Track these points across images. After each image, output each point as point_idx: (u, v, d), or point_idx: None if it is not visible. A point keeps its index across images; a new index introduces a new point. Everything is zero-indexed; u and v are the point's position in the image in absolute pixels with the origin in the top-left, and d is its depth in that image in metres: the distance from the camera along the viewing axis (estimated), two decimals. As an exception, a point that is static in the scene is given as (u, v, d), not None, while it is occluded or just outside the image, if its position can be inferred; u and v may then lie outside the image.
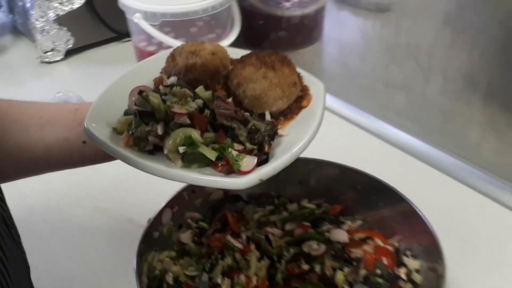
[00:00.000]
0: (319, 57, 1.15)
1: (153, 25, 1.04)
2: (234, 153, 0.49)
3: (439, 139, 0.92)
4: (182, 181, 0.49)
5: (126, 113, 0.53)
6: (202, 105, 0.51)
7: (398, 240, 0.68)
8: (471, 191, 0.87)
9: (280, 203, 0.75)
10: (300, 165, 0.74)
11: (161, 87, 0.54)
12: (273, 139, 0.51)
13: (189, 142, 0.49)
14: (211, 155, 0.48)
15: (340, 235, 0.69)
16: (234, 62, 0.58)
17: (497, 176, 0.85)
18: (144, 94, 0.50)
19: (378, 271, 0.65)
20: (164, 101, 0.50)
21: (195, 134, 0.49)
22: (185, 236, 0.70)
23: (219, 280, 0.64)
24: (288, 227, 0.72)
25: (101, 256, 0.77)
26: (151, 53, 1.11)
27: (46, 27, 1.18)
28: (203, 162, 0.49)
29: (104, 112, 0.53)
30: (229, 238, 0.69)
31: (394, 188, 0.68)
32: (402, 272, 0.65)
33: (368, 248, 0.67)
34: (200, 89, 0.54)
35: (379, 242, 0.68)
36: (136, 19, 1.05)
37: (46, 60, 1.24)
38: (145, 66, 0.61)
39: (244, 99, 0.55)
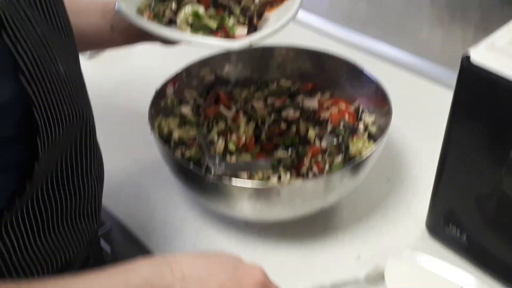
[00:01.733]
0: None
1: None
2: (231, 23, 0.66)
3: (395, 38, 1.08)
4: (191, 41, 0.65)
5: None
6: None
7: (358, 103, 0.84)
8: (424, 79, 1.04)
9: (262, 83, 0.90)
10: (277, 52, 0.90)
11: None
12: (260, 16, 0.68)
13: (196, 15, 0.66)
14: (213, 24, 0.65)
15: (312, 102, 0.85)
16: None
17: (443, 65, 1.02)
18: None
19: (342, 125, 0.81)
20: None
21: (201, 9, 0.66)
22: (186, 109, 0.85)
23: (215, 139, 0.80)
24: (269, 100, 0.88)
25: (114, 138, 0.92)
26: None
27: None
28: (206, 31, 0.66)
29: None
30: (222, 108, 0.85)
31: (356, 64, 0.83)
32: (361, 125, 0.82)
33: (333, 109, 0.84)
34: None
35: (343, 106, 0.85)
36: None
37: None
38: None
39: None
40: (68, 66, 0.51)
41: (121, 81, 1.07)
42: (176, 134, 0.80)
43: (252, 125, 0.83)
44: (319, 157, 0.78)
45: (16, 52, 0.43)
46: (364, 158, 0.68)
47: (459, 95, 0.63)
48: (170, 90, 0.83)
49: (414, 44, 1.05)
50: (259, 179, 0.73)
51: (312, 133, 0.81)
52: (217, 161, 0.65)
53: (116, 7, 0.67)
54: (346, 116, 0.82)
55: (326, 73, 0.88)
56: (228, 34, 0.65)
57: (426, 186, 0.81)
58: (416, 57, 1.06)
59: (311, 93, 0.88)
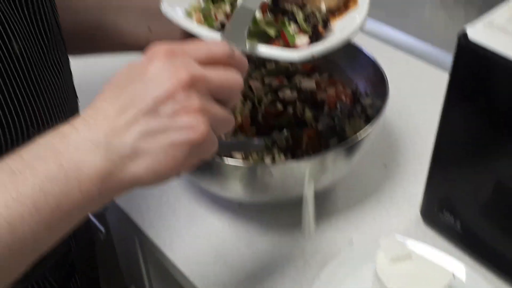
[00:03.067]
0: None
1: None
2: (291, 30, 0.59)
3: (398, 20, 1.06)
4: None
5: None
6: None
7: (356, 85, 0.83)
8: (425, 62, 1.02)
9: (260, 62, 0.89)
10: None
11: None
12: (326, 25, 0.61)
13: (253, 20, 0.57)
14: (271, 31, 0.58)
15: (309, 83, 0.84)
16: None
17: (446, 48, 1.00)
18: None
19: (339, 107, 0.80)
20: None
21: (259, 14, 0.59)
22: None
23: (210, 118, 0.79)
24: (266, 80, 0.86)
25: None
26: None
27: None
28: (263, 39, 0.59)
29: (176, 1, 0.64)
30: (218, 87, 0.83)
31: (355, 44, 0.82)
32: (358, 108, 0.80)
33: (330, 91, 0.82)
34: None
35: (340, 87, 0.83)
36: None
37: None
38: None
39: None
40: (27, 44, 0.48)
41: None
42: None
43: (248, 105, 0.81)
44: (315, 140, 0.77)
45: None
46: (358, 139, 0.67)
47: (456, 75, 0.61)
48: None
49: (416, 26, 1.04)
50: (253, 160, 0.72)
51: (308, 114, 0.80)
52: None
53: (162, 8, 0.62)
54: (343, 98, 0.81)
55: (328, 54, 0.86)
56: (287, 43, 0.58)
57: (422, 171, 0.79)
58: (419, 40, 1.04)
59: (309, 74, 0.87)
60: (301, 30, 0.59)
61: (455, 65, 0.60)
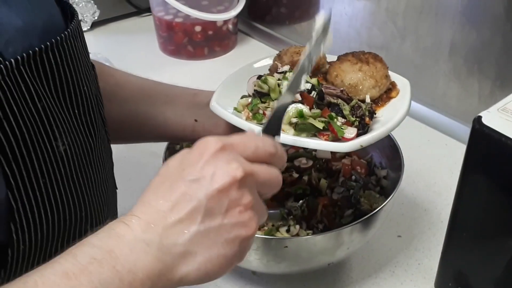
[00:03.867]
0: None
1: (170, -4, 1.21)
2: (339, 123, 0.61)
3: (413, 90, 1.08)
4: (296, 144, 0.62)
5: (243, 97, 0.68)
6: (310, 87, 0.64)
7: (371, 157, 0.85)
8: (439, 133, 1.04)
9: (277, 130, 0.91)
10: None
11: (275, 74, 0.68)
12: (372, 115, 0.64)
13: (300, 115, 0.61)
14: (319, 124, 0.61)
15: (325, 153, 0.86)
16: (331, 63, 0.71)
17: (459, 119, 1.02)
18: (263, 77, 0.65)
19: (354, 178, 0.81)
20: (278, 85, 0.65)
21: (305, 109, 0.62)
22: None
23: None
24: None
25: (129, 178, 0.93)
26: (168, 22, 1.28)
27: (75, 0, 1.35)
28: (311, 132, 0.62)
29: (224, 97, 0.68)
30: (235, 154, 0.85)
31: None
32: (373, 179, 0.82)
33: (346, 161, 0.84)
34: (307, 77, 0.66)
35: (355, 157, 0.85)
36: (157, -9, 1.21)
37: (75, 30, 1.41)
38: (250, 67, 0.75)
39: (342, 88, 0.66)
40: (73, 142, 0.48)
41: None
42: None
43: (264, 173, 0.83)
44: (330, 209, 0.78)
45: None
46: (374, 213, 0.67)
47: (471, 155, 0.63)
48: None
49: (431, 96, 1.06)
50: (268, 230, 0.73)
51: (323, 183, 0.81)
52: (226, 211, 0.65)
53: (211, 105, 0.65)
54: (358, 169, 0.82)
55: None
56: (336, 136, 0.60)
57: (437, 242, 0.80)
58: (433, 110, 1.06)
59: (324, 143, 0.89)
60: (348, 122, 0.61)
61: (470, 146, 0.61)
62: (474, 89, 0.98)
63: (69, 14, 0.52)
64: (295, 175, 0.83)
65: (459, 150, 1.01)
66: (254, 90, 0.65)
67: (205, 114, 0.70)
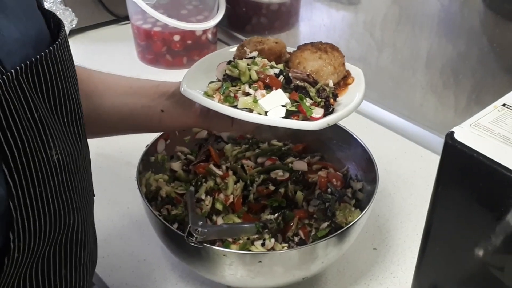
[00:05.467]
0: (294, 37, 1.32)
1: (148, 5, 1.20)
2: (307, 103, 0.64)
3: (390, 102, 1.09)
4: (269, 123, 0.62)
5: (211, 82, 0.68)
6: (278, 72, 0.66)
7: (347, 169, 0.85)
8: (414, 144, 1.04)
9: (254, 142, 0.91)
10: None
11: (244, 59, 0.68)
12: (336, 97, 0.67)
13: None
14: (292, 108, 0.62)
15: (301, 165, 0.86)
16: (290, 53, 0.73)
17: (436, 131, 1.02)
18: (234, 62, 0.66)
19: (329, 190, 0.81)
20: (248, 69, 0.65)
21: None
22: (176, 165, 0.85)
23: (203, 197, 0.80)
24: (259, 160, 0.88)
25: (105, 189, 0.92)
26: (146, 31, 1.27)
27: (53, 8, 1.34)
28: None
29: (192, 83, 0.67)
30: (212, 166, 0.85)
31: (349, 130, 0.84)
32: (348, 192, 0.82)
33: (322, 173, 0.84)
34: (273, 64, 0.68)
35: (331, 170, 0.85)
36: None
37: (52, 38, 1.39)
38: (217, 56, 0.75)
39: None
40: (63, 150, 0.49)
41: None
42: (164, 191, 0.80)
43: (240, 185, 0.83)
44: (306, 222, 0.78)
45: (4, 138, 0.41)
46: (348, 226, 0.67)
47: (443, 170, 0.63)
48: (161, 146, 0.83)
49: (408, 108, 1.06)
50: (243, 243, 0.72)
51: (300, 196, 0.81)
52: (200, 225, 0.65)
53: (182, 89, 0.65)
54: (334, 181, 0.82)
55: (317, 135, 0.88)
56: (305, 115, 0.62)
57: (412, 255, 0.80)
58: (409, 122, 1.06)
59: (301, 155, 0.89)
60: (315, 103, 0.64)
61: (443, 161, 0.61)
62: (451, 102, 0.99)
63: (53, 23, 0.52)
64: (272, 187, 0.83)
65: (434, 163, 1.01)
66: (225, 74, 0.66)
67: (171, 104, 0.70)
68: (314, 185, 0.83)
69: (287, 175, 0.84)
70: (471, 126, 0.61)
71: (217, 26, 1.31)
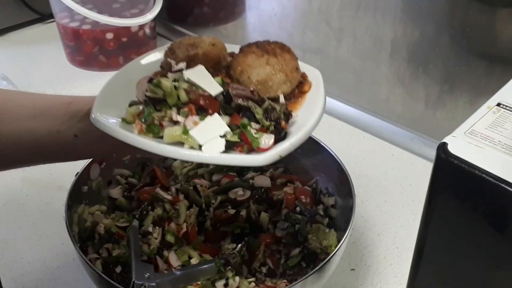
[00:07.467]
0: (241, 29, 1.20)
1: (74, 1, 1.05)
2: (253, 131, 0.50)
3: (353, 97, 0.99)
4: (205, 161, 0.50)
5: (132, 103, 0.54)
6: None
7: (316, 182, 0.74)
8: (383, 142, 0.95)
9: (206, 156, 0.79)
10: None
11: (169, 74, 0.54)
12: (288, 117, 0.53)
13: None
14: (234, 138, 0.49)
15: (263, 180, 0.74)
16: (232, 54, 0.59)
17: (404, 126, 0.93)
18: (155, 80, 0.51)
19: (298, 209, 0.70)
20: (175, 87, 0.51)
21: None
22: (115, 192, 0.72)
23: (150, 229, 0.68)
24: (215, 177, 0.76)
25: (33, 222, 0.78)
26: (74, 29, 1.12)
27: (-37, 8, 1.16)
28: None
29: (108, 104, 0.53)
30: (159, 190, 0.72)
31: (314, 137, 0.73)
32: (320, 209, 0.71)
33: (288, 189, 0.73)
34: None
35: (299, 184, 0.74)
36: (57, -5, 1.05)
37: (-34, 43, 1.22)
38: (141, 62, 0.61)
39: (250, 85, 0.54)
40: None
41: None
42: (101, 227, 0.67)
43: (194, 211, 0.71)
44: (274, 248, 0.68)
45: None
46: (328, 259, 0.57)
47: (435, 189, 0.53)
48: (95, 172, 0.70)
49: (373, 103, 0.97)
50: (202, 286, 0.60)
51: (264, 217, 0.70)
52: (146, 277, 0.52)
53: (92, 119, 0.51)
54: (303, 198, 0.71)
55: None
56: (251, 146, 0.49)
57: (394, 274, 0.71)
58: (376, 117, 0.97)
59: (262, 168, 0.77)
60: (262, 127, 0.51)
61: (434, 178, 0.52)
62: (420, 94, 0.90)
63: None
64: (231, 211, 0.71)
65: (406, 161, 0.93)
66: (146, 96, 0.51)
67: (86, 128, 0.55)
68: (280, 204, 0.72)
69: (248, 193, 0.73)
70: (466, 135, 0.51)
71: (155, 19, 1.17)
